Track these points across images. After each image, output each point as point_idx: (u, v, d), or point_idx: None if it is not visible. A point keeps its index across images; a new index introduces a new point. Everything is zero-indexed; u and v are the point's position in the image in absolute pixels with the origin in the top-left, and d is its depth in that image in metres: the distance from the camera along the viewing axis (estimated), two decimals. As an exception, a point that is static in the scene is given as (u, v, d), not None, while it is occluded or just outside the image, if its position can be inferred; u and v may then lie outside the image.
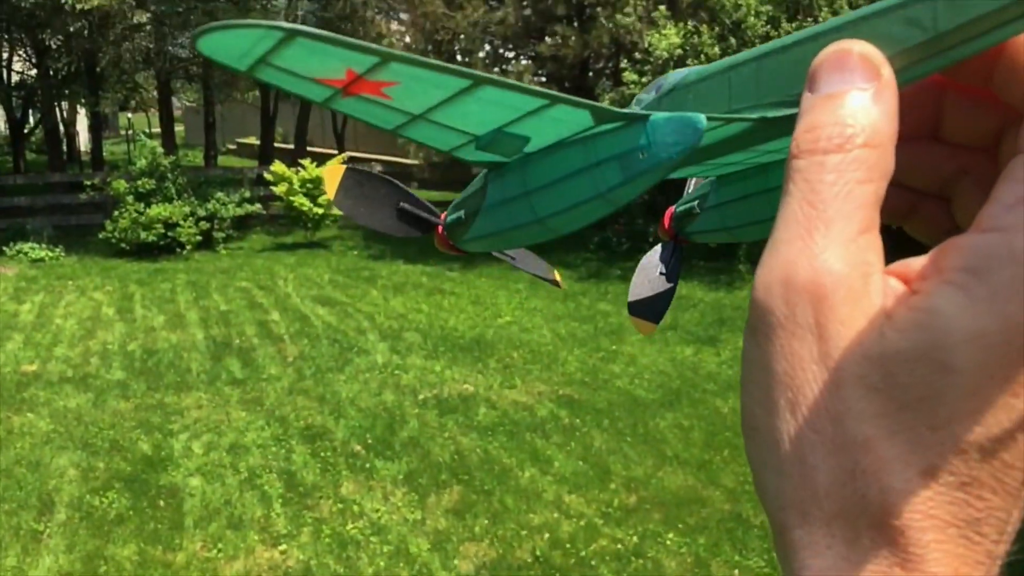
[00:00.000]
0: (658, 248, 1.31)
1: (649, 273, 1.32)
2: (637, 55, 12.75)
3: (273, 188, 15.06)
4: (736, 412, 7.32)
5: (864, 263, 0.34)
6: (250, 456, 6.61)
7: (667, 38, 12.18)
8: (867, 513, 0.33)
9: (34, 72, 18.38)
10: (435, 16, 14.23)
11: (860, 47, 0.37)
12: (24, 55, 19.01)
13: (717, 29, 12.39)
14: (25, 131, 21.00)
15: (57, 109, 19.67)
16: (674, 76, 0.77)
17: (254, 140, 25.69)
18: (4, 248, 14.00)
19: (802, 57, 0.38)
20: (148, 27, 15.42)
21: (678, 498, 5.99)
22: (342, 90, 0.63)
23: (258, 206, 15.71)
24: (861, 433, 0.33)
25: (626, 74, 12.63)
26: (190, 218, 14.27)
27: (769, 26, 11.98)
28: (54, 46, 15.43)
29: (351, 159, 17.47)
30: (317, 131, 25.11)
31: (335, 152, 17.89)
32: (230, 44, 0.56)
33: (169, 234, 13.99)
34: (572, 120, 0.71)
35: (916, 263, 0.35)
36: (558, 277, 1.19)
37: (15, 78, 19.29)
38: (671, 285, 1.30)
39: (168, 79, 17.91)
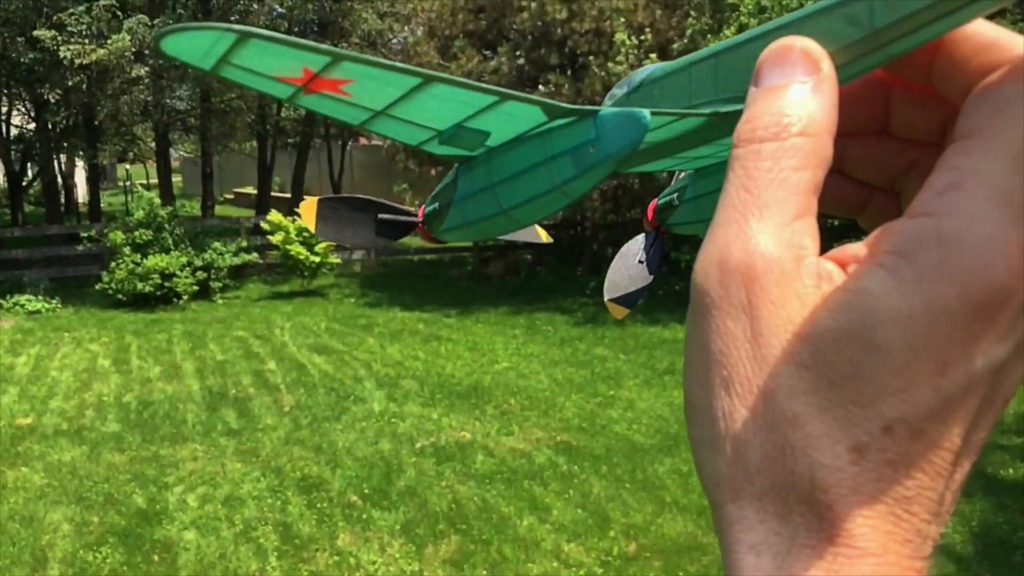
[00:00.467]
0: (640, 237, 1.34)
1: (628, 260, 1.35)
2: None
3: (270, 237, 15.11)
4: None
5: (797, 246, 0.35)
6: (245, 508, 6.54)
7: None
8: (796, 488, 0.34)
9: (32, 126, 18.55)
10: (430, 66, 14.40)
11: (802, 43, 0.39)
12: (23, 109, 19.19)
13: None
14: (23, 184, 21.14)
15: (55, 161, 19.81)
16: (642, 72, 0.80)
17: (251, 190, 25.85)
18: (1, 301, 14.00)
19: (754, 53, 0.40)
20: (146, 80, 15.59)
21: (678, 545, 5.92)
22: (303, 88, 0.66)
23: (255, 255, 15.75)
24: (791, 410, 0.34)
25: (619, 120, 12.76)
26: (187, 268, 14.30)
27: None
28: (53, 100, 15.60)
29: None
30: (314, 180, 25.28)
31: (331, 201, 17.96)
32: (190, 45, 0.59)
33: (166, 284, 14.01)
34: (526, 116, 0.74)
35: (852, 248, 0.36)
36: (544, 236, 1.21)
37: (14, 131, 19.45)
38: (649, 274, 1.33)
39: (166, 131, 18.06)
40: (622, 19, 13.22)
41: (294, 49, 0.60)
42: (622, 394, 9.18)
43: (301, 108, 0.73)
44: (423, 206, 0.98)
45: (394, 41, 19.05)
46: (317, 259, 14.86)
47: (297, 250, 14.68)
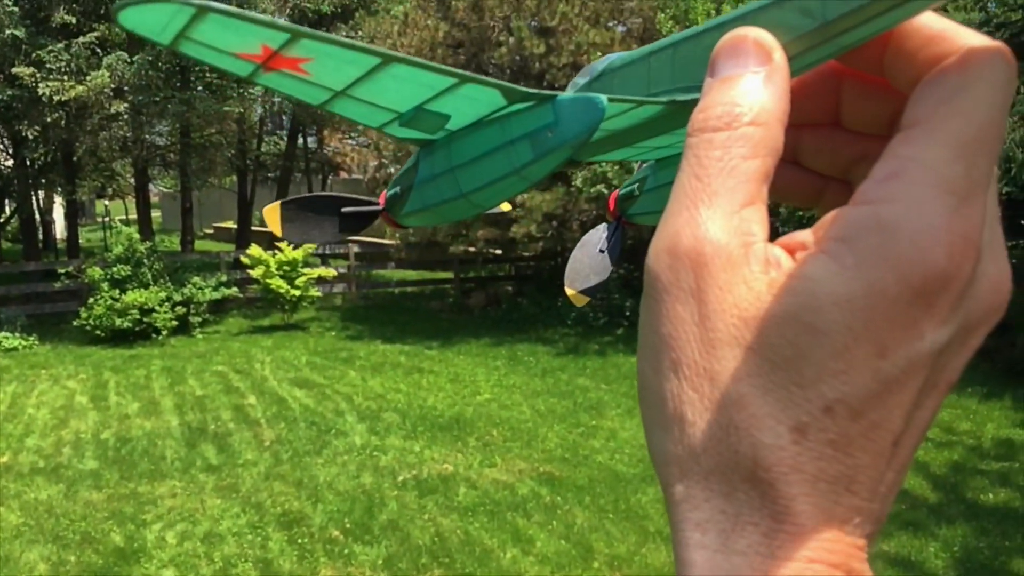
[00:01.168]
0: (602, 226, 1.35)
1: (589, 250, 1.36)
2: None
3: (250, 271, 15.07)
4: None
5: (746, 233, 0.36)
6: (225, 545, 6.47)
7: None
8: (740, 467, 0.35)
9: (10, 162, 18.47)
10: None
11: (755, 33, 0.40)
12: (1, 146, 19.12)
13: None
14: (1, 221, 21.00)
15: (33, 198, 19.71)
16: (603, 62, 0.81)
17: (231, 224, 25.81)
18: (-23, 338, 13.84)
19: (711, 43, 0.41)
20: (125, 116, 15.59)
21: (662, 575, 5.90)
22: (262, 65, 0.67)
23: (235, 290, 15.69)
24: (735, 391, 0.35)
25: (598, 152, 12.86)
26: (166, 303, 14.22)
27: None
28: (31, 137, 15.54)
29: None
30: (294, 214, 25.23)
31: (312, 234, 17.95)
32: (147, 19, 0.59)
33: (145, 320, 13.91)
34: (486, 99, 0.75)
35: (800, 235, 0.37)
36: (505, 207, 1.23)
37: (-9, 168, 19.36)
38: (608, 264, 1.34)
39: (145, 166, 18.05)
40: (599, 53, 13.38)
41: (252, 25, 0.60)
42: (604, 424, 9.17)
43: (263, 85, 0.74)
44: (384, 191, 0.99)
45: (374, 76, 19.16)
46: (297, 293, 14.81)
47: (277, 284, 14.64)
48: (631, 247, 15.76)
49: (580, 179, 13.06)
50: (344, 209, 1.08)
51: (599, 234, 1.34)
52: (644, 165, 1.17)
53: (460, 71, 0.70)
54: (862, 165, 0.45)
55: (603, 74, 0.80)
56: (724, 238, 0.36)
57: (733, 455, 0.35)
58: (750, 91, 0.38)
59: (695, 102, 0.40)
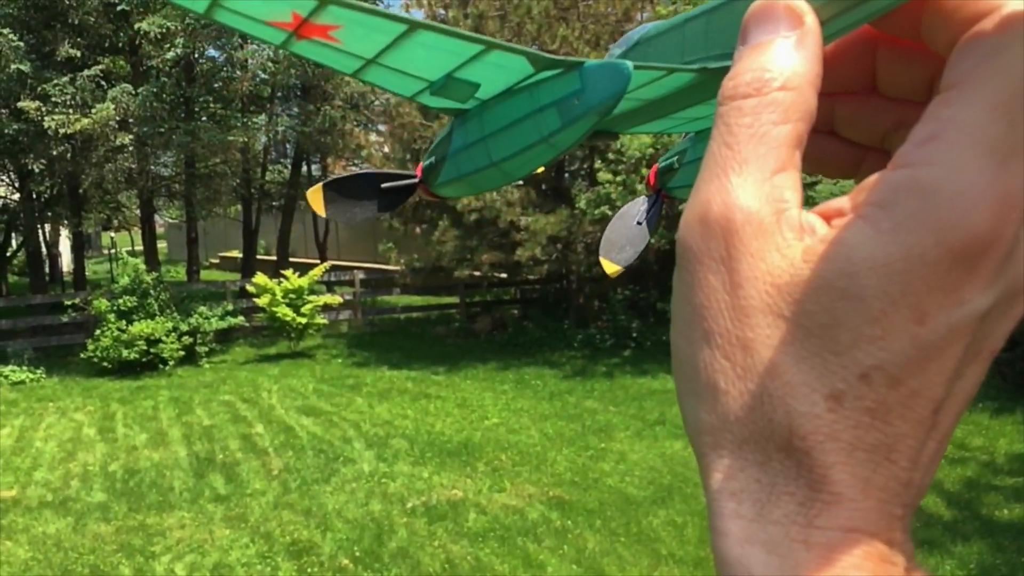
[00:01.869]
0: (641, 199, 1.35)
1: (627, 221, 1.35)
2: (611, 156, 13.06)
3: (256, 300, 15.09)
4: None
5: (778, 200, 0.36)
6: None
7: (638, 138, 12.51)
8: (775, 436, 0.34)
9: (17, 196, 18.58)
10: (412, 126, 14.58)
11: None
12: (7, 179, 19.24)
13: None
14: (7, 254, 21.09)
15: (40, 231, 19.80)
16: (639, 31, 0.81)
17: (237, 253, 25.88)
18: (-16, 372, 13.87)
19: (743, 10, 0.40)
20: (130, 148, 15.69)
21: (675, 598, 5.84)
22: (293, 33, 0.67)
23: (241, 319, 15.71)
24: (769, 359, 0.34)
25: (601, 174, 12.91)
26: (172, 333, 14.23)
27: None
28: (37, 170, 15.65)
29: (333, 267, 17.59)
30: (300, 242, 25.35)
31: (317, 262, 18.03)
32: None
33: (151, 351, 13.92)
34: (513, 67, 0.75)
35: (837, 202, 0.36)
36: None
37: (-2, 203, 19.49)
38: (645, 236, 1.33)
39: (150, 197, 18.12)
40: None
41: None
42: (613, 446, 9.12)
43: (297, 54, 0.75)
44: (421, 162, 0.99)
45: (376, 103, 19.29)
46: (303, 320, 14.82)
47: (283, 312, 14.65)
48: (637, 269, 15.73)
49: (584, 201, 13.08)
50: (384, 185, 1.08)
51: (638, 206, 1.34)
52: (685, 137, 1.17)
53: (486, 38, 0.70)
54: (900, 133, 0.44)
55: (638, 43, 0.80)
56: (755, 205, 0.36)
57: (768, 424, 0.34)
58: (781, 56, 0.38)
59: (727, 70, 0.39)
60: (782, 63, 0.37)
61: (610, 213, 12.62)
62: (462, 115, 0.89)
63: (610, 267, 1.36)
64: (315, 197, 1.08)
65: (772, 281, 0.35)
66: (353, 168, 21.08)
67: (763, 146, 0.36)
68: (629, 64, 0.69)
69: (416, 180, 1.03)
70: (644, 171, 12.56)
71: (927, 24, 0.40)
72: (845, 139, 0.47)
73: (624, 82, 0.70)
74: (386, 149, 16.20)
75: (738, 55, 0.39)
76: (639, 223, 1.33)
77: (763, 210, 0.36)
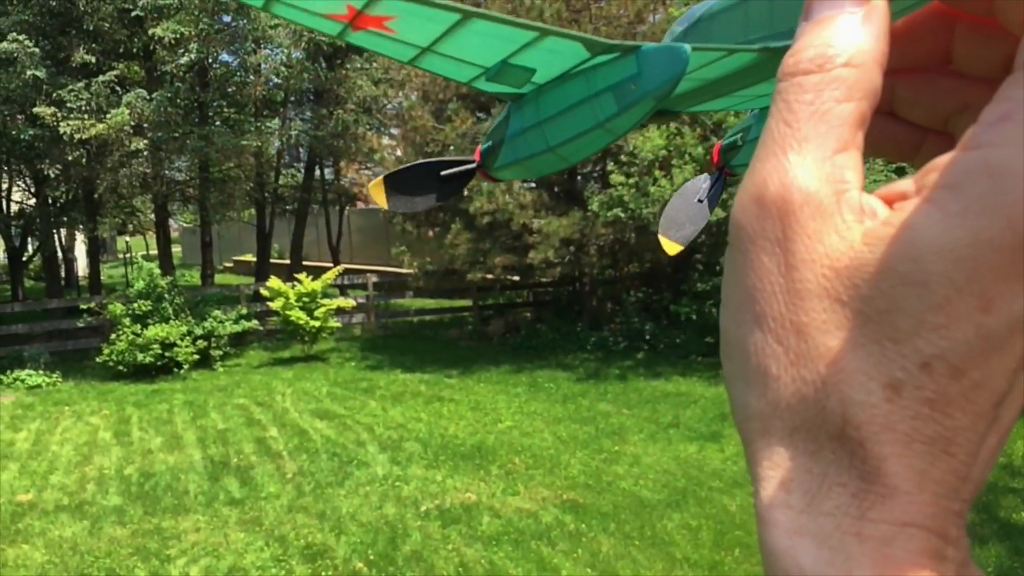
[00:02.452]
0: (703, 176, 1.33)
1: (688, 198, 1.33)
2: (623, 158, 13.04)
3: (269, 304, 15.15)
4: (745, 510, 7.19)
5: (838, 180, 0.34)
6: (249, 579, 6.44)
7: (651, 140, 12.49)
8: (828, 425, 0.33)
9: (33, 201, 18.71)
10: (425, 130, 14.61)
11: None
12: (23, 185, 19.38)
13: (699, 130, 12.72)
14: (24, 259, 21.24)
15: (55, 236, 19.94)
16: (701, 7, 0.79)
17: (250, 257, 25.99)
18: (1, 376, 13.97)
19: None
20: (145, 153, 15.78)
21: (690, 602, 5.82)
22: (349, 24, 0.68)
23: (255, 322, 15.77)
24: (824, 345, 0.33)
25: (613, 176, 12.89)
26: (187, 337, 14.30)
27: (749, 124, 12.29)
28: (52, 175, 15.76)
29: (346, 271, 17.63)
30: (313, 246, 25.43)
31: (331, 265, 18.07)
32: None
33: (166, 354, 13.99)
34: (568, 52, 0.73)
35: (900, 184, 0.35)
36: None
37: (14, 207, 19.62)
38: (706, 214, 1.31)
39: (165, 202, 18.23)
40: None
41: None
42: (627, 449, 9.10)
43: (354, 44, 0.75)
44: (479, 146, 0.99)
45: (389, 106, 19.34)
46: (317, 324, 14.86)
47: (297, 315, 14.69)
48: (648, 271, 15.65)
49: (596, 203, 13.07)
50: (443, 172, 1.08)
51: (699, 184, 1.32)
52: (749, 114, 1.16)
53: (540, 24, 0.69)
54: (964, 115, 0.43)
55: (699, 20, 0.79)
56: (814, 185, 0.34)
57: (820, 412, 0.33)
58: (845, 31, 0.36)
59: (788, 48, 0.38)
60: (847, 39, 0.36)
61: (623, 216, 12.60)
62: (519, 99, 0.88)
63: (670, 246, 1.34)
64: (377, 191, 1.07)
65: (830, 264, 0.33)
66: (366, 172, 21.14)
67: (824, 124, 0.35)
68: (687, 47, 0.68)
69: (475, 165, 1.02)
70: (656, 173, 12.54)
71: (1000, 1, 0.39)
72: (905, 121, 0.46)
73: (682, 66, 0.68)
74: (399, 152, 16.23)
75: (800, 31, 0.38)
76: (700, 201, 1.31)
77: (822, 190, 0.34)
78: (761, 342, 0.35)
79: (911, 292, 0.32)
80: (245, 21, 16.02)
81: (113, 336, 14.27)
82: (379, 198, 1.08)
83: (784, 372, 0.34)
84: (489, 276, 15.50)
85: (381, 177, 1.09)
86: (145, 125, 15.45)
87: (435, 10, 0.66)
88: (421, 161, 1.13)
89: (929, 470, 0.32)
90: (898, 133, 0.46)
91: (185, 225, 34.84)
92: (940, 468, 0.32)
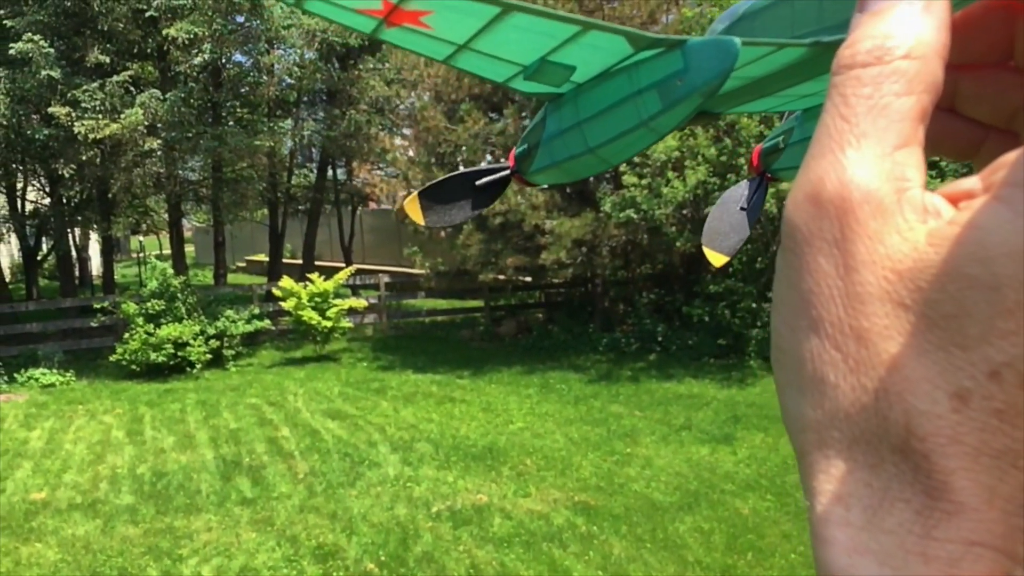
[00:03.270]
0: (743, 183, 1.29)
1: (729, 207, 1.29)
2: (636, 158, 13.00)
3: (282, 303, 15.18)
4: (758, 513, 7.16)
5: (899, 178, 0.33)
6: (261, 579, 6.45)
7: (664, 141, 12.45)
8: (890, 436, 0.31)
9: (47, 200, 18.82)
10: (437, 130, 14.61)
11: None
12: (37, 184, 19.49)
13: (712, 131, 12.67)
14: (38, 258, 21.37)
15: (70, 235, 20.04)
16: (744, 4, 0.76)
17: (263, 257, 26.05)
18: (16, 375, 14.04)
19: None
20: (158, 153, 15.85)
21: (702, 606, 5.79)
22: (384, 20, 0.65)
23: (267, 322, 15.81)
24: (886, 351, 0.31)
25: (626, 177, 12.86)
26: (200, 337, 14.35)
27: (763, 125, 12.25)
28: (67, 175, 15.83)
29: (358, 271, 17.64)
30: (325, 246, 25.47)
31: (343, 265, 18.10)
32: None
33: (179, 354, 14.04)
34: (610, 47, 0.70)
35: (965, 182, 0.33)
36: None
37: (28, 207, 19.73)
38: (748, 220, 1.27)
39: (178, 202, 18.29)
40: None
41: None
42: (639, 451, 9.07)
43: (388, 42, 0.72)
44: (513, 149, 0.96)
45: (401, 107, 19.36)
46: (329, 324, 14.88)
47: (309, 315, 14.72)
48: (660, 272, 15.60)
49: (609, 204, 13.04)
50: (478, 182, 1.06)
51: (740, 191, 1.28)
52: (790, 116, 1.12)
53: (582, 18, 0.66)
54: None
55: (743, 17, 0.76)
56: (874, 183, 0.32)
57: (882, 422, 0.31)
58: (905, 22, 0.34)
59: (842, 43, 0.36)
60: (907, 30, 0.34)
61: (635, 216, 12.56)
62: (556, 100, 0.85)
63: (716, 258, 1.30)
64: (412, 207, 1.05)
65: (892, 266, 0.32)
66: (378, 173, 21.16)
67: (884, 119, 0.33)
68: (736, 41, 0.65)
69: (510, 171, 0.99)
70: (670, 174, 12.49)
71: None
72: (966, 117, 0.44)
73: (731, 60, 0.65)
74: (411, 153, 16.24)
75: (856, 22, 0.36)
76: (742, 208, 1.28)
77: (883, 188, 0.32)
78: (818, 348, 0.33)
79: (980, 296, 0.30)
80: (258, 22, 16.05)
81: (126, 335, 14.34)
82: (415, 215, 1.06)
83: (843, 380, 0.32)
84: (501, 277, 15.49)
85: (415, 194, 1.07)
86: (159, 125, 15.51)
87: (474, 3, 0.64)
88: (455, 173, 1.11)
89: (998, 486, 0.30)
90: (958, 130, 0.44)
91: (198, 225, 34.99)
92: (1009, 483, 0.30)
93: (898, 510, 0.31)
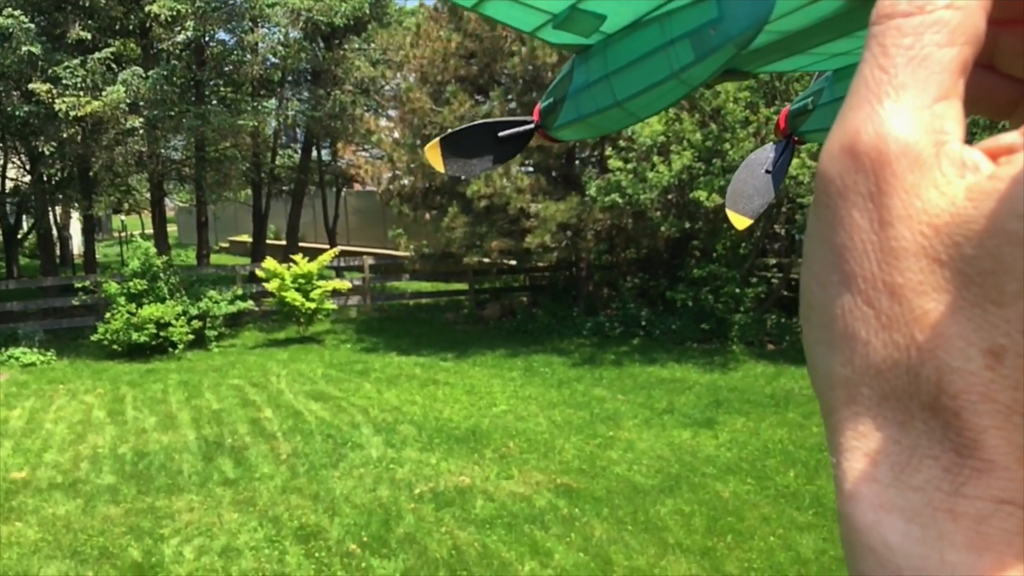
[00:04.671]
0: (768, 146, 1.27)
1: (754, 170, 1.27)
2: (621, 143, 13.00)
3: (265, 284, 15.11)
4: (737, 496, 7.22)
5: (938, 131, 0.32)
6: (242, 559, 6.45)
7: (649, 126, 12.45)
8: (920, 393, 0.31)
9: (28, 178, 18.63)
10: (422, 112, 14.54)
11: None
12: (18, 162, 19.28)
13: (698, 116, 12.67)
14: (18, 236, 21.16)
15: (50, 213, 19.85)
16: None
17: (246, 238, 25.92)
18: (-5, 354, 13.95)
19: None
20: (141, 131, 15.70)
21: (682, 588, 5.84)
22: None
23: (250, 303, 15.74)
24: (919, 307, 0.31)
25: (611, 161, 12.85)
26: (182, 317, 14.27)
27: (748, 111, 12.26)
28: (47, 152, 15.67)
29: (342, 253, 17.58)
30: (309, 227, 25.35)
31: (327, 247, 18.03)
32: None
33: (161, 334, 13.96)
34: None
35: (1006, 137, 0.32)
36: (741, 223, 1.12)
37: (8, 184, 19.52)
38: (774, 184, 1.25)
39: (161, 181, 18.14)
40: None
41: None
42: (621, 435, 9.11)
43: None
44: (538, 105, 0.94)
45: (387, 88, 19.25)
46: (313, 305, 14.84)
47: (293, 297, 14.67)
48: (645, 257, 15.64)
49: (594, 188, 13.03)
50: (501, 134, 1.04)
51: (765, 153, 1.26)
52: (820, 77, 1.09)
53: None
54: None
55: None
56: (912, 135, 0.32)
57: (913, 379, 0.31)
58: None
59: None
60: None
61: (620, 201, 12.57)
62: (584, 52, 0.83)
63: (739, 220, 1.28)
64: (433, 153, 1.03)
65: (928, 221, 0.31)
66: (363, 154, 21.06)
67: (924, 70, 0.32)
68: None
69: (533, 125, 0.97)
70: (655, 159, 12.49)
71: None
72: (1005, 74, 0.43)
73: (767, 9, 0.64)
74: (396, 134, 16.17)
75: None
76: (767, 171, 1.25)
77: (921, 141, 0.32)
78: (850, 304, 0.32)
79: (1019, 252, 0.29)
80: None
81: (108, 315, 14.25)
82: (435, 161, 1.04)
83: (874, 336, 0.31)
84: (486, 260, 15.48)
85: (437, 140, 1.04)
86: (141, 103, 15.35)
87: None
88: (479, 122, 1.09)
89: None
90: (996, 87, 0.43)
91: (181, 205, 34.72)
92: None
93: (926, 467, 0.30)
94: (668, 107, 0.81)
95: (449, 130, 1.10)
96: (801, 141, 1.19)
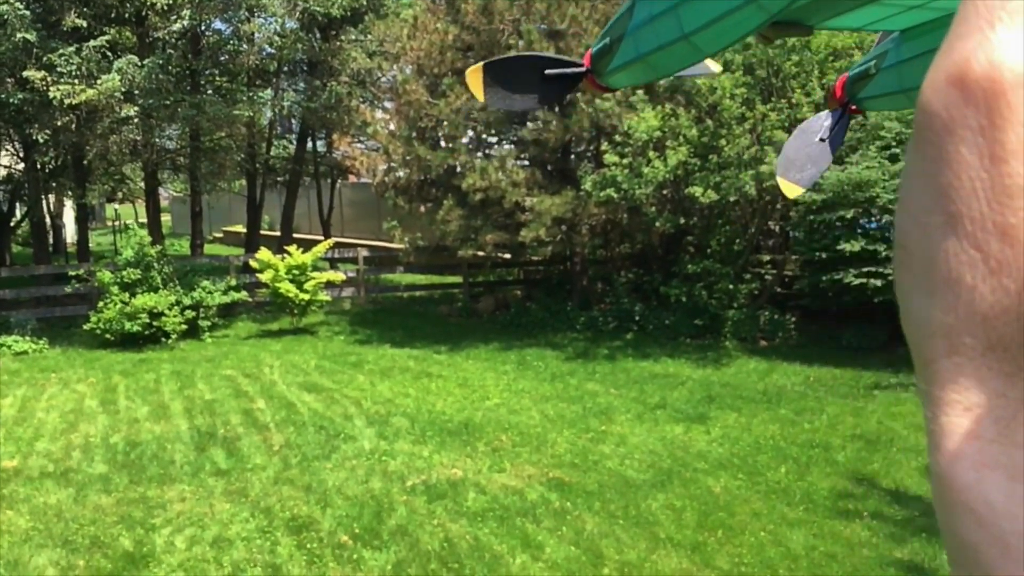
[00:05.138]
0: (823, 114, 1.21)
1: (807, 138, 1.22)
2: (617, 138, 13.00)
3: (259, 275, 15.09)
4: (728, 491, 7.24)
5: None
6: (234, 550, 6.45)
7: (646, 121, 12.45)
8: None
9: (21, 166, 18.55)
10: (419, 104, 14.51)
11: None
12: (11, 149, 19.20)
13: (694, 112, 12.67)
14: (11, 224, 21.08)
15: (44, 201, 19.77)
16: None
17: (241, 228, 25.85)
18: (-13, 341, 13.90)
19: None
20: (135, 120, 15.64)
21: (673, 582, 5.86)
22: None
23: (244, 294, 15.71)
24: None
25: (607, 156, 12.85)
26: (175, 307, 14.24)
27: (744, 107, 12.27)
28: (42, 140, 15.60)
29: (336, 244, 17.56)
30: (304, 218, 25.31)
31: (321, 238, 18.00)
32: None
33: (154, 324, 13.94)
34: None
35: None
36: (715, 67, 1.09)
37: (2, 172, 19.44)
38: (828, 152, 1.20)
39: (155, 170, 18.08)
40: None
41: None
42: (614, 429, 9.13)
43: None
44: (589, 50, 0.89)
45: (383, 80, 19.20)
46: (306, 297, 14.82)
47: (286, 288, 14.65)
48: (639, 252, 15.62)
49: (589, 183, 13.03)
50: (548, 72, 0.99)
51: (820, 121, 1.21)
52: (884, 40, 1.03)
53: None
54: None
55: None
56: None
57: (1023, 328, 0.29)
58: None
59: None
60: None
61: (615, 196, 12.58)
62: None
63: (790, 189, 1.24)
64: (475, 79, 0.98)
65: None
66: (359, 146, 21.02)
67: None
68: None
69: (583, 70, 0.92)
70: (651, 154, 12.49)
71: None
72: None
73: None
74: (392, 126, 16.14)
75: None
76: (822, 139, 1.20)
77: None
78: (954, 247, 0.30)
79: None
80: (239, -11, 15.82)
81: (101, 304, 14.21)
82: (476, 87, 0.99)
83: (981, 282, 0.29)
84: (480, 253, 15.47)
85: (480, 64, 0.99)
86: (136, 92, 15.29)
87: None
88: (526, 53, 1.04)
89: None
90: None
91: (175, 194, 34.63)
92: None
93: None
94: (738, 41, 0.76)
95: (496, 57, 1.04)
96: (859, 110, 1.14)
